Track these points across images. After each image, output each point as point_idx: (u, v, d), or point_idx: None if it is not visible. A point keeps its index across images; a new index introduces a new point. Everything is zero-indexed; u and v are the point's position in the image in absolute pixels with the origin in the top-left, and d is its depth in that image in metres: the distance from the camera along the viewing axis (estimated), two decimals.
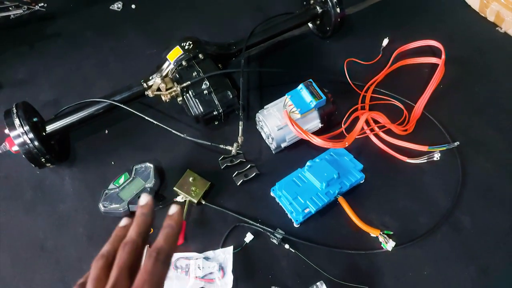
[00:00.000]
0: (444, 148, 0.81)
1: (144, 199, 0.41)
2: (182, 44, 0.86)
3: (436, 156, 0.80)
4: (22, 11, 1.12)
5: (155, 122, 0.82)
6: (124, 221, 0.41)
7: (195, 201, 0.77)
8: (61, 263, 0.74)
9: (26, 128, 0.76)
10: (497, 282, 0.69)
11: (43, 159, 0.79)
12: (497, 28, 1.06)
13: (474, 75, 0.97)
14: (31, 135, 0.76)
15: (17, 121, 0.75)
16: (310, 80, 0.81)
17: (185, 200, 0.78)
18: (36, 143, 0.76)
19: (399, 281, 0.70)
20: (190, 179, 0.80)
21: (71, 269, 0.74)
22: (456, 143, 0.82)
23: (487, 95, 0.93)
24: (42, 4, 1.16)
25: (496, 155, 0.83)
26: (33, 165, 0.80)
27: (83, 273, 0.77)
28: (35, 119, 0.81)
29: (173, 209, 0.40)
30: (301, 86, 0.81)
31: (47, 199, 0.82)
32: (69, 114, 0.84)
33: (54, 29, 1.13)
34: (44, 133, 0.81)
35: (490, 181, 0.80)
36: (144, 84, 0.85)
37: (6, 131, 0.76)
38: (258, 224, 0.75)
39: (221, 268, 0.70)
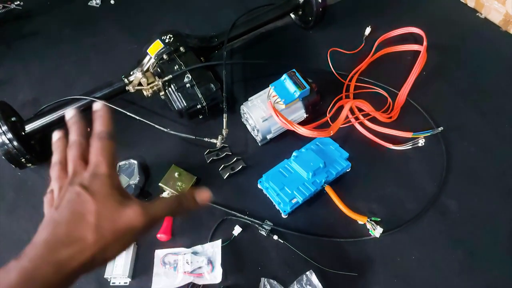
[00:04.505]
0: (429, 134, 0.81)
1: (70, 113, 0.42)
2: (163, 38, 0.85)
3: (421, 142, 0.80)
4: None
5: (138, 118, 0.81)
6: (57, 134, 0.42)
7: None
8: None
9: (4, 128, 0.74)
10: (484, 263, 0.69)
11: (23, 160, 0.77)
12: (477, 14, 1.06)
13: (456, 60, 0.97)
14: (9, 135, 0.74)
15: None
16: (294, 70, 0.81)
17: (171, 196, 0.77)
18: (15, 143, 0.74)
19: (388, 266, 0.70)
20: (176, 174, 0.79)
21: None
22: (440, 128, 0.82)
23: (469, 80, 0.94)
24: (18, 2, 1.14)
25: (479, 139, 0.84)
26: (14, 166, 0.78)
27: None
28: (13, 119, 0.79)
29: (97, 105, 0.41)
30: (284, 76, 0.80)
31: (30, 200, 0.80)
32: (49, 113, 0.82)
33: (31, 28, 1.11)
34: (23, 133, 0.79)
35: (475, 164, 0.81)
36: (125, 80, 0.83)
37: None
38: (246, 217, 0.75)
39: (210, 262, 0.69)
